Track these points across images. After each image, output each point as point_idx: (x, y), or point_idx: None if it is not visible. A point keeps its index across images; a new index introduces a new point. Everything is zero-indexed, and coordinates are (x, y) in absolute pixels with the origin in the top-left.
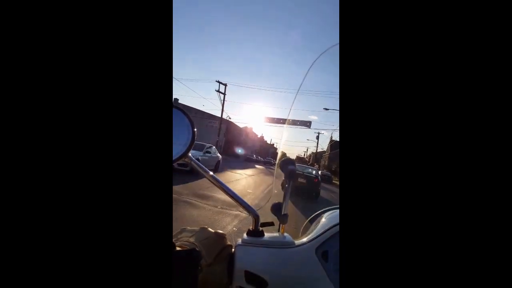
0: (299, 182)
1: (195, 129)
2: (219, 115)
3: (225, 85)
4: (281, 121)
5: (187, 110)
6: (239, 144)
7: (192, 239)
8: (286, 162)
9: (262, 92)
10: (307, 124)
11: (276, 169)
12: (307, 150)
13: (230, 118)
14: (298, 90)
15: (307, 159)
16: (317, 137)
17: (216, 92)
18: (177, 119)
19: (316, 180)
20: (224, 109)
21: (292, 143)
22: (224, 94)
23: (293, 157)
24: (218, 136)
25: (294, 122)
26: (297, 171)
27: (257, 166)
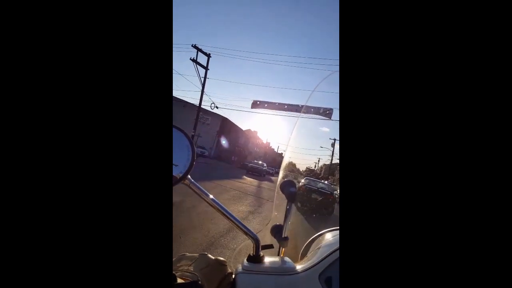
0: (313, 198)
1: (195, 152)
2: (213, 108)
3: (208, 55)
4: (285, 107)
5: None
6: (237, 148)
7: (191, 268)
8: (287, 183)
9: (262, 68)
10: (326, 112)
11: (277, 191)
12: (318, 161)
13: (215, 107)
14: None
15: (318, 172)
16: (333, 145)
17: (191, 62)
18: (177, 139)
19: (332, 197)
20: (205, 91)
21: (301, 151)
22: (206, 68)
23: (303, 168)
24: (194, 129)
25: (307, 110)
26: (309, 186)
27: (245, 177)
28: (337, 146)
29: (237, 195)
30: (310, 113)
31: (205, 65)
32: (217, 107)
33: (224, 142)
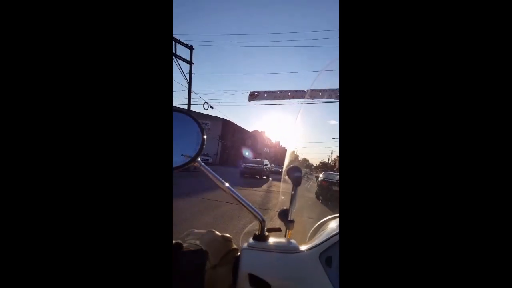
0: (334, 190)
1: (205, 136)
2: (206, 109)
3: (191, 48)
4: (288, 94)
5: None
6: (244, 151)
7: (198, 242)
8: (293, 169)
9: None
10: (337, 95)
11: (283, 176)
12: (331, 153)
13: (210, 106)
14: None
15: (333, 164)
16: None
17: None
18: (188, 125)
19: None
20: (192, 88)
21: (312, 145)
22: (191, 63)
23: (316, 162)
24: None
25: (314, 94)
26: (328, 180)
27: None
28: None
29: (228, 214)
30: (318, 97)
31: (189, 59)
32: (211, 107)
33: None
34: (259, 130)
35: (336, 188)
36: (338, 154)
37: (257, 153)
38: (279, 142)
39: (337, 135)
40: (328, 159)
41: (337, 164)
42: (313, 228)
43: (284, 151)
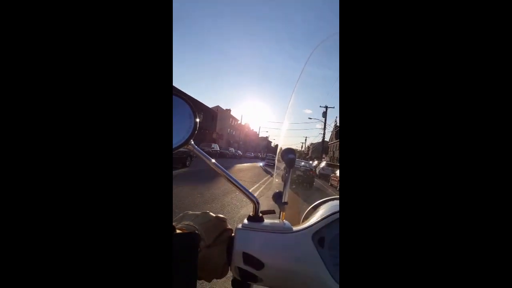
0: (297, 174)
1: (197, 119)
2: None
3: None
4: None
5: None
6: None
7: (192, 223)
8: (287, 151)
9: None
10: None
11: (277, 158)
12: (305, 140)
13: None
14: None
15: (306, 152)
16: (324, 114)
17: None
18: (179, 107)
19: (312, 172)
20: None
21: (285, 133)
22: None
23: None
24: None
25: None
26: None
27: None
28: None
29: None
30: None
31: None
32: None
33: None
34: (224, 108)
35: (300, 173)
36: (313, 142)
37: (217, 134)
38: (248, 125)
39: (313, 114)
40: (302, 147)
41: (311, 152)
42: (307, 211)
43: (255, 135)
